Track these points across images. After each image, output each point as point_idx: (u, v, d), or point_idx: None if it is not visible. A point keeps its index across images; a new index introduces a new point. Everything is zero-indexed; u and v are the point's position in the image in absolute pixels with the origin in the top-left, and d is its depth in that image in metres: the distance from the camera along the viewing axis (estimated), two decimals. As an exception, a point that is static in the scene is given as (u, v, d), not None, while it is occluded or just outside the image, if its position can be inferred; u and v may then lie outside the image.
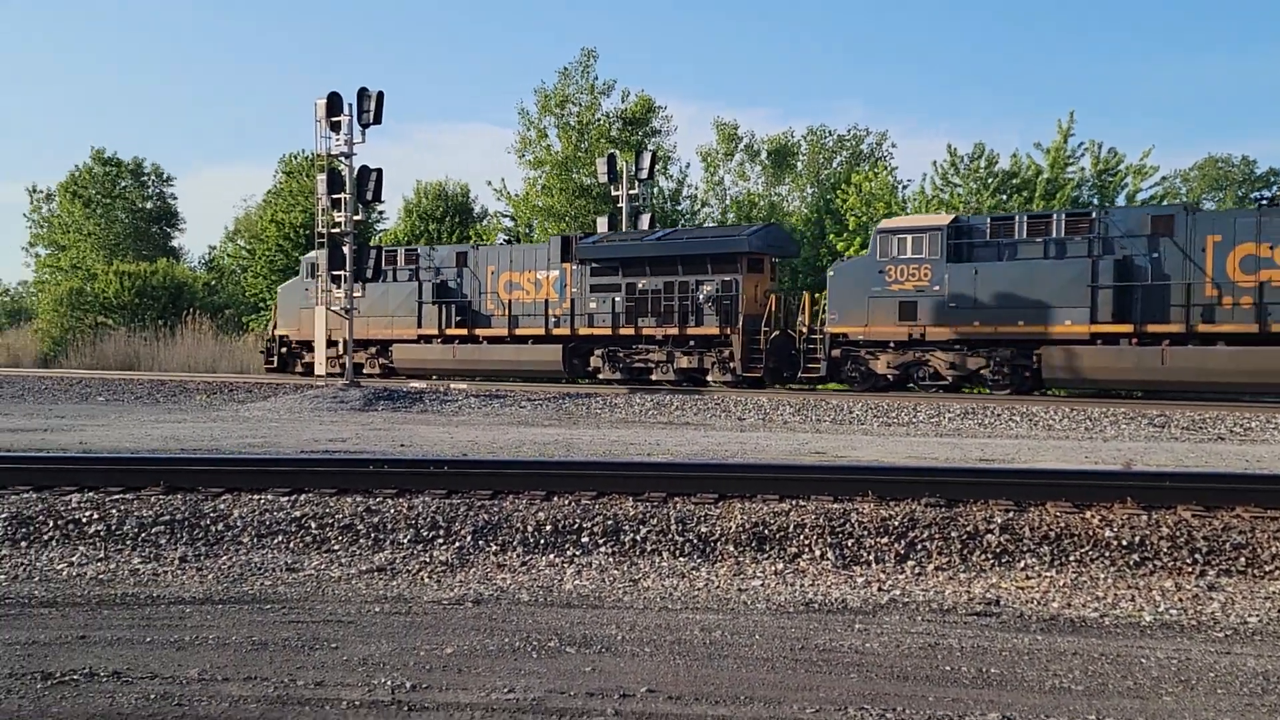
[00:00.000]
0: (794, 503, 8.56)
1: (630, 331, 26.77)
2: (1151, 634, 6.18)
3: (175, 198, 64.58)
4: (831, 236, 37.71)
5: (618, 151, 34.99)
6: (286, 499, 8.99)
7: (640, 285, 26.62)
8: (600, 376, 27.50)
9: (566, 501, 8.77)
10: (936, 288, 22.58)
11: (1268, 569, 7.46)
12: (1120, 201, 34.49)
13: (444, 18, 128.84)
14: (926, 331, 22.79)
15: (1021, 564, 7.67)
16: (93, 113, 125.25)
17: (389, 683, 5.00)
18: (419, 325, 29.55)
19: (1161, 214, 21.27)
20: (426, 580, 7.49)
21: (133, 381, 29.27)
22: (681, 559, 7.94)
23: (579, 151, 40.37)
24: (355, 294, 25.93)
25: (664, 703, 4.76)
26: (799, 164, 46.97)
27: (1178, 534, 7.78)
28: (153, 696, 4.81)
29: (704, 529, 8.20)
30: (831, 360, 24.10)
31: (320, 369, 27.06)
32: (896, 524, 8.10)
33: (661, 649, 5.62)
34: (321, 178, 25.80)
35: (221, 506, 8.84)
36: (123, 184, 60.45)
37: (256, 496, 9.06)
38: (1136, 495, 8.41)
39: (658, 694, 4.86)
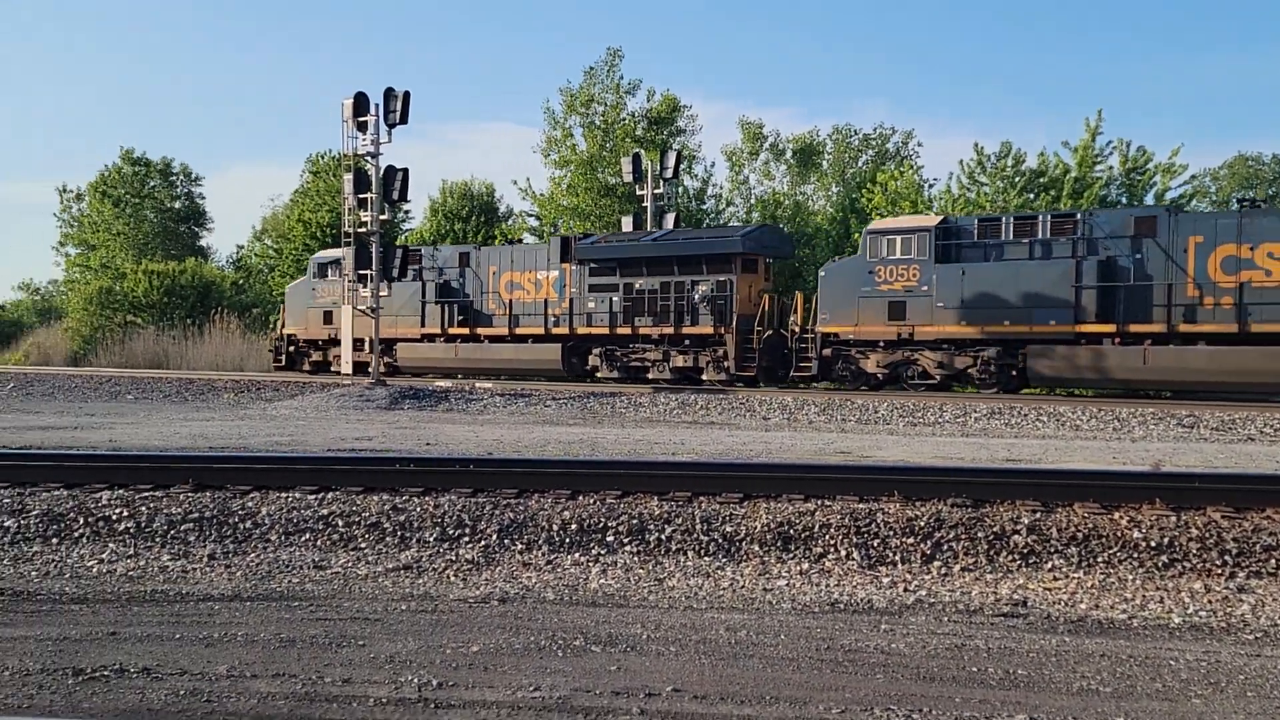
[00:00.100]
0: (819, 502, 8.54)
1: (627, 331, 27.22)
2: (1180, 636, 6.13)
3: (203, 197, 65.00)
4: (856, 236, 37.52)
5: (643, 151, 34.99)
6: (314, 497, 9.04)
7: (637, 285, 27.04)
8: (598, 375, 27.94)
9: (591, 500, 8.78)
10: (925, 288, 23.00)
11: (1299, 571, 7.38)
12: (1149, 200, 34.23)
13: (470, 17, 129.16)
14: (915, 331, 23.26)
15: (1049, 565, 7.63)
16: (122, 113, 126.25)
17: (415, 680, 5.02)
18: (422, 325, 29.90)
19: (1144, 215, 21.73)
20: (452, 578, 7.53)
21: (161, 380, 29.52)
22: (706, 558, 7.94)
23: (604, 151, 40.37)
24: (379, 293, 26.05)
25: (689, 702, 4.76)
26: (824, 163, 46.83)
27: (1207, 535, 7.72)
28: (182, 693, 4.85)
29: (729, 528, 8.19)
30: (823, 359, 24.50)
31: (346, 367, 27.24)
32: (922, 524, 8.07)
33: (687, 648, 5.62)
34: (348, 177, 25.96)
35: (250, 504, 8.90)
36: (152, 184, 60.91)
37: (284, 494, 9.12)
38: (1165, 496, 8.34)
39: (683, 693, 4.87)
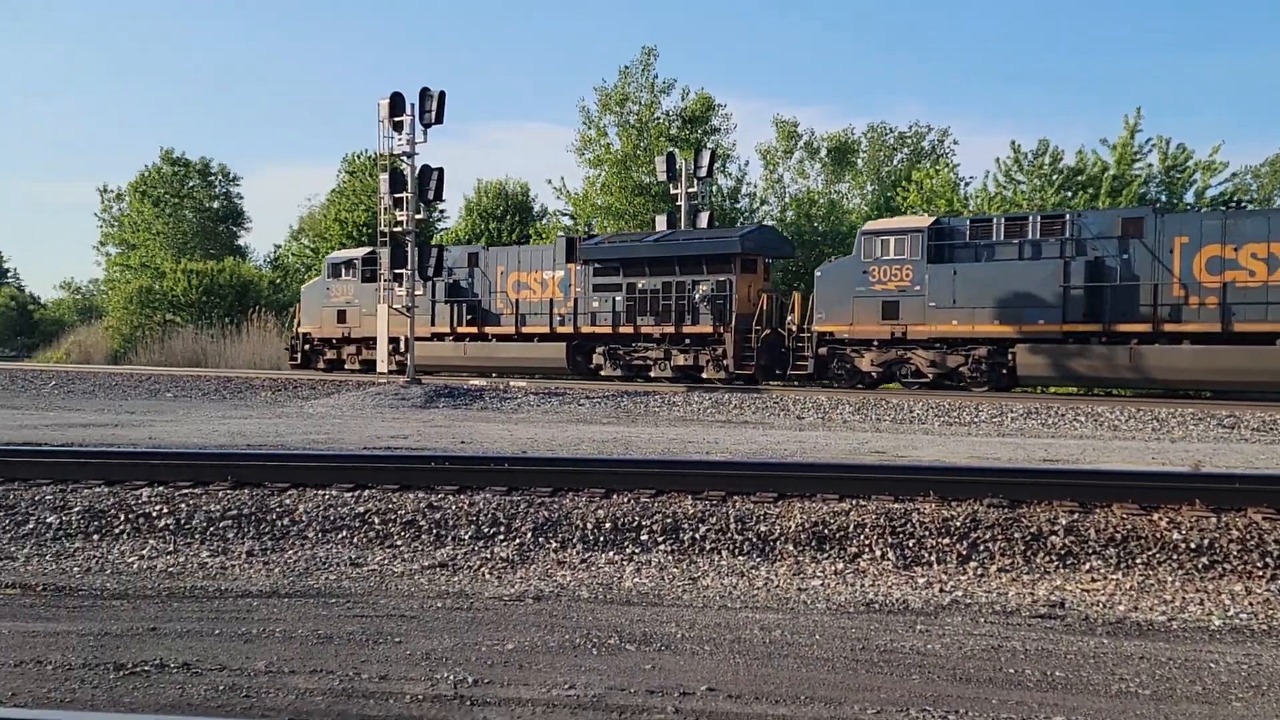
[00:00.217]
0: (854, 502, 8.50)
1: (630, 330, 27.63)
2: (1221, 638, 6.06)
3: (241, 197, 65.75)
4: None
5: (677, 150, 34.99)
6: (350, 494, 9.11)
7: (640, 285, 27.43)
8: (601, 373, 28.37)
9: (626, 499, 8.80)
10: (918, 288, 23.42)
11: (1342, 574, 7.28)
12: (1189, 198, 33.87)
13: (505, 16, 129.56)
14: (908, 330, 23.68)
15: (1087, 566, 7.56)
16: (161, 114, 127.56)
17: (451, 677, 5.05)
18: (432, 324, 30.39)
19: (1131, 216, 22.08)
20: (488, 576, 7.56)
21: (200, 378, 29.83)
22: (741, 558, 7.93)
23: (638, 150, 40.40)
24: (413, 293, 26.18)
25: (724, 701, 4.76)
26: (859, 161, 46.64)
27: (1248, 537, 7.62)
28: (221, 688, 4.90)
29: (763, 528, 8.18)
30: (818, 358, 24.90)
31: (382, 365, 27.44)
32: (958, 524, 8.02)
33: (721, 647, 5.62)
34: (384, 177, 26.13)
35: (287, 501, 8.98)
36: (190, 184, 61.60)
37: (321, 492, 9.19)
38: (1205, 497, 8.24)
39: (718, 692, 4.87)
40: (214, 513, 8.81)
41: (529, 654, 5.48)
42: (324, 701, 4.72)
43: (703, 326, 26.44)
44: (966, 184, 39.70)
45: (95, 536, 8.60)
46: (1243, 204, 24.24)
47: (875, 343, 24.17)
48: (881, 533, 8.01)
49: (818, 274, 25.52)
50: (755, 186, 45.80)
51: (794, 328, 25.67)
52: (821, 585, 7.29)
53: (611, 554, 8.02)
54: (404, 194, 25.43)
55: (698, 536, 8.16)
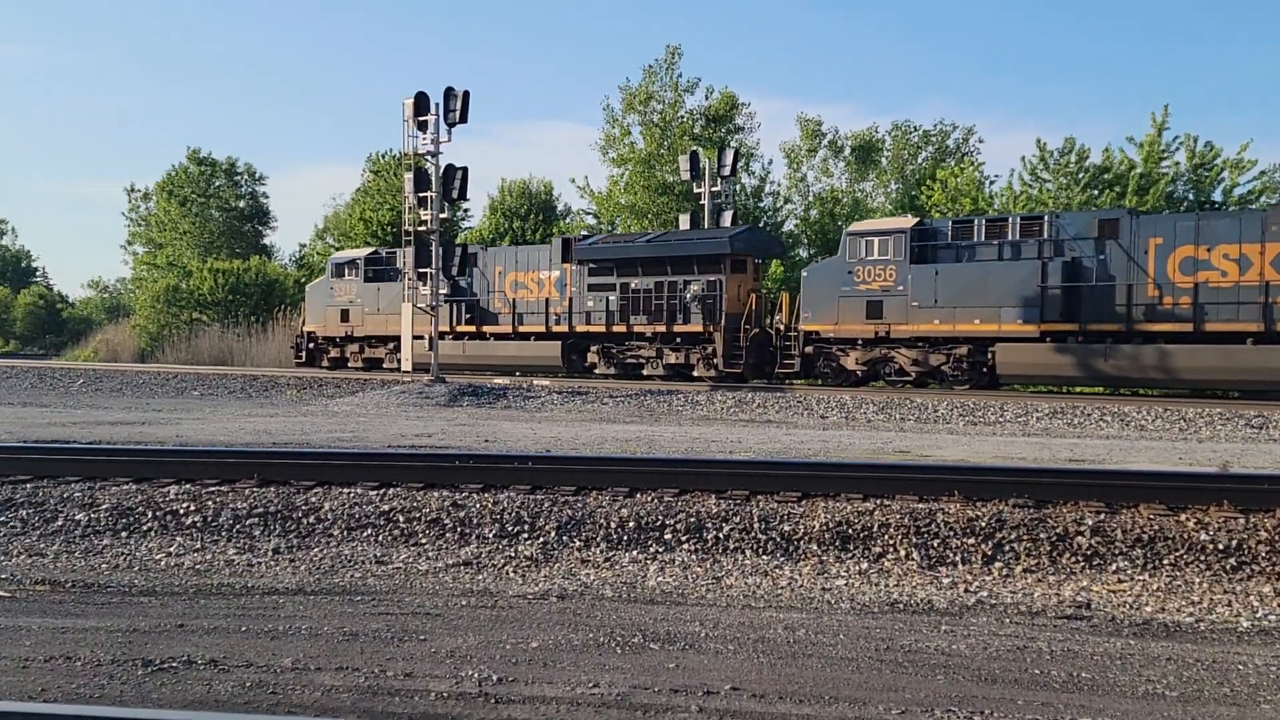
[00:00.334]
0: (878, 502, 8.48)
1: (623, 329, 28.08)
2: (1249, 640, 6.01)
3: (267, 196, 66.09)
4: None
5: (700, 149, 34.95)
6: (375, 493, 9.15)
7: (633, 285, 27.81)
8: (596, 372, 28.76)
9: (649, 498, 8.80)
10: (901, 288, 23.79)
11: (1373, 576, 7.21)
12: (1217, 196, 33.57)
13: (530, 14, 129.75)
14: (891, 329, 24.05)
15: (1113, 567, 7.52)
16: (188, 114, 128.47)
17: (476, 675, 5.07)
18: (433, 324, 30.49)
19: (1107, 218, 22.32)
20: (511, 575, 7.58)
21: (226, 376, 30.04)
22: (765, 557, 7.92)
23: (662, 149, 40.37)
24: (435, 292, 26.24)
25: (748, 700, 4.75)
26: (883, 159, 46.45)
27: (1277, 538, 7.56)
28: (249, 684, 4.93)
29: (787, 527, 8.17)
30: (805, 357, 25.30)
31: (406, 364, 27.54)
32: (983, 524, 7.98)
33: (745, 647, 5.61)
34: (408, 176, 26.22)
35: (313, 499, 9.03)
36: (217, 183, 61.95)
37: (346, 490, 9.24)
38: (1233, 498, 8.17)
39: (742, 691, 4.86)
40: (240, 510, 8.87)
41: (553, 652, 5.49)
42: (350, 699, 4.75)
43: (693, 326, 26.88)
44: (991, 183, 39.49)
45: (123, 534, 8.67)
46: (1217, 206, 24.52)
47: (860, 341, 24.58)
48: (906, 532, 7.98)
49: (804, 274, 26.08)
50: (779, 185, 45.72)
51: (781, 327, 26.22)
52: (846, 585, 7.28)
53: (635, 553, 8.03)
54: (428, 193, 25.52)
55: (721, 536, 8.16)
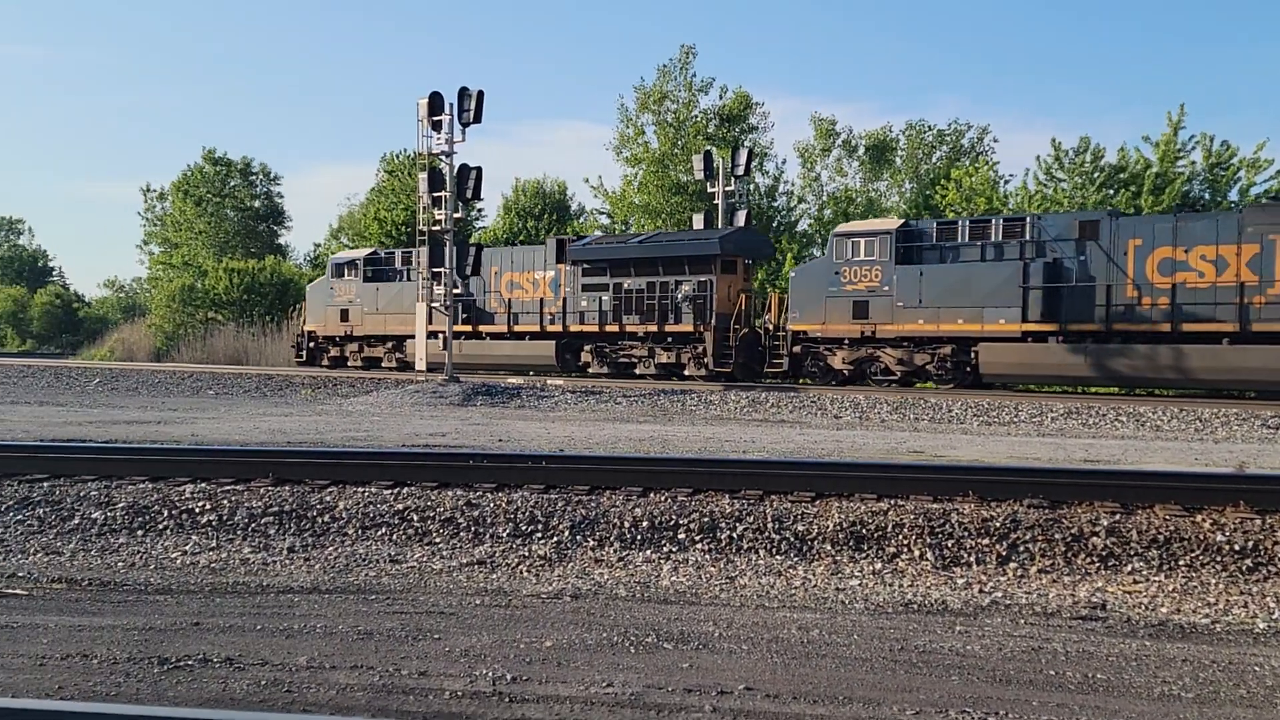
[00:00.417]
0: (892, 502, 8.46)
1: (616, 329, 28.41)
2: (1266, 642, 5.98)
3: (282, 196, 66.35)
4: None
5: (714, 148, 34.95)
6: (389, 492, 9.17)
7: (626, 285, 28.18)
8: (589, 370, 29.07)
9: (663, 498, 8.80)
10: (886, 288, 24.14)
11: (1391, 577, 7.16)
12: (1233, 195, 33.39)
13: (543, 15, 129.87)
14: (877, 329, 24.40)
15: (1128, 568, 7.49)
16: (204, 114, 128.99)
17: (490, 674, 5.07)
18: (429, 320, 30.62)
19: (1088, 219, 22.63)
20: (525, 574, 7.59)
21: (241, 376, 30.15)
22: (778, 557, 7.91)
23: (676, 148, 40.37)
24: (450, 292, 26.28)
25: (762, 700, 4.75)
26: (897, 159, 46.34)
27: (1294, 539, 7.52)
28: (264, 683, 4.95)
29: (801, 527, 8.16)
30: (793, 356, 25.67)
31: (420, 364, 27.64)
32: (998, 525, 7.96)
33: (759, 647, 5.61)
34: (423, 176, 26.31)
35: (328, 498, 9.06)
36: (232, 183, 62.22)
37: (361, 489, 9.27)
38: (1250, 499, 8.13)
39: (755, 692, 4.86)
40: (255, 509, 8.90)
41: (567, 651, 5.50)
42: (364, 697, 4.76)
43: (684, 325, 27.17)
44: (1006, 182, 39.35)
45: (139, 532, 8.71)
46: (1196, 207, 24.74)
47: (846, 341, 24.89)
48: (920, 533, 7.97)
49: (791, 275, 26.40)
50: (793, 185, 45.66)
51: (770, 326, 26.55)
52: (859, 585, 7.26)
53: (649, 552, 8.03)
54: (442, 193, 25.60)
55: (735, 535, 8.15)
